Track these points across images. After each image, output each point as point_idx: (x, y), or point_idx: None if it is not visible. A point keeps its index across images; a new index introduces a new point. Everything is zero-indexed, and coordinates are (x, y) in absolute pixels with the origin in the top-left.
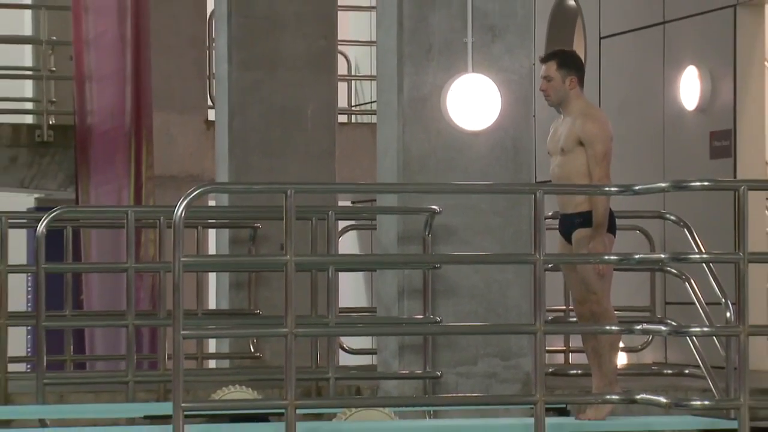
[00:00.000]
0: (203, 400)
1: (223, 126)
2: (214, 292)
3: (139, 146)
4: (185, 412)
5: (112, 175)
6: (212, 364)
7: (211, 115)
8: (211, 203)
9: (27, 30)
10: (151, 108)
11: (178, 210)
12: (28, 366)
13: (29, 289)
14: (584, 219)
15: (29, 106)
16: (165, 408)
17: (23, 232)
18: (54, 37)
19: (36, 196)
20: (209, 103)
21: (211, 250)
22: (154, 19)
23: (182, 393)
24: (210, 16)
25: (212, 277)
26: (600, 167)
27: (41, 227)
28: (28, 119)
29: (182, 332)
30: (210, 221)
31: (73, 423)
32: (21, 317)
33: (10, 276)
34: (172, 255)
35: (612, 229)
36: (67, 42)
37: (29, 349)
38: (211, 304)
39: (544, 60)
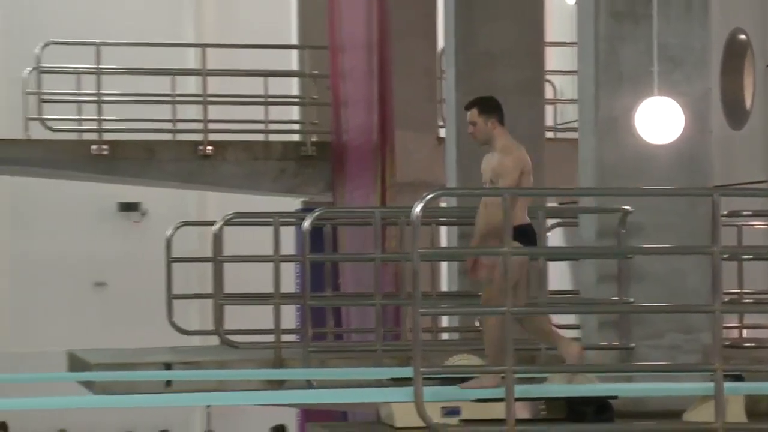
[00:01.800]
0: (438, 366)
1: (452, 142)
2: (446, 277)
3: (384, 159)
4: (423, 376)
5: (362, 183)
6: (444, 336)
7: (442, 133)
8: (442, 205)
9: (294, 65)
10: (393, 127)
11: (415, 210)
12: (297, 337)
13: (297, 275)
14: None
15: (296, 127)
16: (406, 372)
17: (291, 229)
18: (315, 71)
19: (301, 199)
20: (440, 123)
21: (443, 243)
22: (395, 55)
23: (421, 360)
24: (440, 52)
25: (444, 265)
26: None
27: (306, 225)
28: (295, 138)
29: (420, 310)
30: (441, 219)
31: (332, 384)
32: (291, 297)
33: (282, 264)
34: (412, 247)
35: (527, 241)
36: (326, 75)
37: (298, 323)
38: (443, 287)
39: (467, 108)
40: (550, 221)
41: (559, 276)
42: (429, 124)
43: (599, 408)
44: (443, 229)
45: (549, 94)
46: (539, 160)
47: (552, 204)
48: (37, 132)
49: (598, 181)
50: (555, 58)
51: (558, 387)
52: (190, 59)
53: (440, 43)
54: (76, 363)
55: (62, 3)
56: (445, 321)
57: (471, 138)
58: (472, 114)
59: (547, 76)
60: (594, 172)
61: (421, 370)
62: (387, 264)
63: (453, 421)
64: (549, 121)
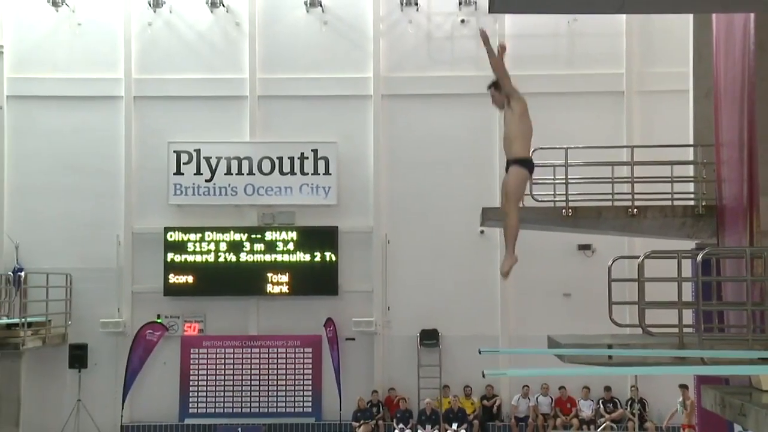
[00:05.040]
0: None
1: None
2: None
3: (752, 215)
4: None
5: (736, 230)
6: None
7: None
8: None
9: (690, 156)
10: (758, 195)
11: None
12: (693, 329)
13: (693, 290)
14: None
15: (692, 196)
16: None
17: (689, 261)
18: (705, 160)
19: (695, 242)
20: None
21: None
22: (761, 147)
23: None
24: None
25: None
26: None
27: (699, 258)
28: (691, 202)
29: None
30: None
31: (717, 360)
32: (689, 304)
33: (683, 283)
34: None
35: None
36: (712, 162)
37: (693, 321)
38: None
39: (488, 88)
40: None
41: None
42: None
43: None
44: None
45: None
46: None
47: None
48: (530, 202)
49: None
50: None
51: None
52: (623, 154)
53: None
54: (553, 343)
55: (542, 122)
56: None
57: (493, 104)
58: (492, 92)
59: None
60: None
61: None
62: (755, 283)
63: None
64: None
